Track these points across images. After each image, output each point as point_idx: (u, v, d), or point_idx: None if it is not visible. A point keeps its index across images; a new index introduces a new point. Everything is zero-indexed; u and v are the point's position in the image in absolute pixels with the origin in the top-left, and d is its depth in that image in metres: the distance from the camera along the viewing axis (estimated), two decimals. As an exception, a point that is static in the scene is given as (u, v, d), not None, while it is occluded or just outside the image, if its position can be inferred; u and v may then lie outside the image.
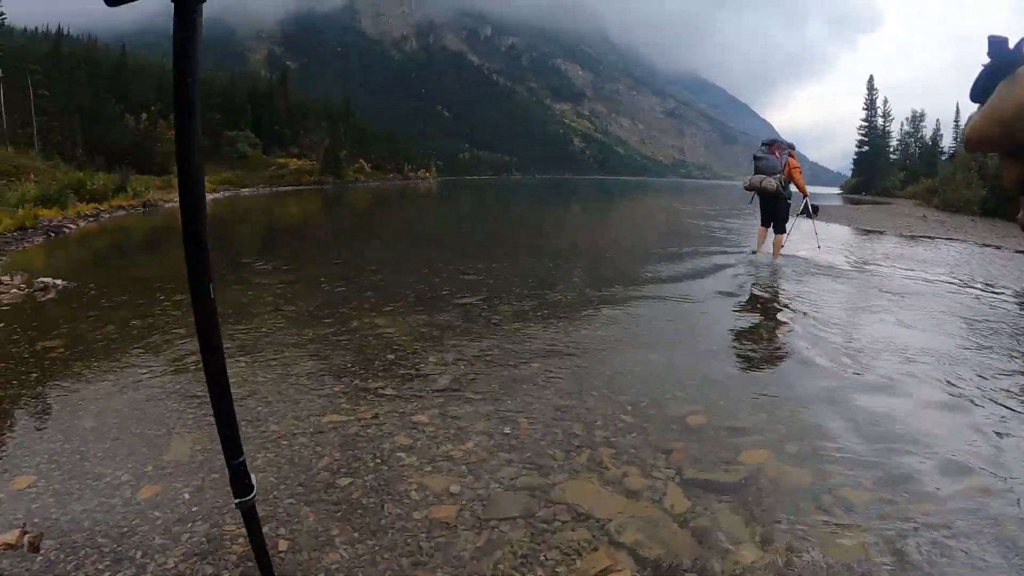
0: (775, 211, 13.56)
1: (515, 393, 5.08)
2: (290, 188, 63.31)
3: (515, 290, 9.48)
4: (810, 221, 15.76)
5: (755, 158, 13.62)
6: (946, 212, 38.55)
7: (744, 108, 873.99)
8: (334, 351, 6.20)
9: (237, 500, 1.87)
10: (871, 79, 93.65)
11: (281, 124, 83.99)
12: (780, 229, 13.65)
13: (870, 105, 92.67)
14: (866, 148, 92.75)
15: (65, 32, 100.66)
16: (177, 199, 1.62)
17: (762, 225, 14.03)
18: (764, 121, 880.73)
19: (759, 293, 10.14)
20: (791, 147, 13.68)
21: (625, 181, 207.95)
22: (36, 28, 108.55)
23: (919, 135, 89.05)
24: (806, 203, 14.67)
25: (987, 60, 1.67)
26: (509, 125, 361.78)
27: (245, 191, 54.48)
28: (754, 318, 8.28)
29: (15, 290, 9.21)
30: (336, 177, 78.33)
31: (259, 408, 4.76)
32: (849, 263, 14.09)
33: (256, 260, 12.61)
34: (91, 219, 23.31)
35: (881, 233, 22.06)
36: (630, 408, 4.82)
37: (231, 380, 1.77)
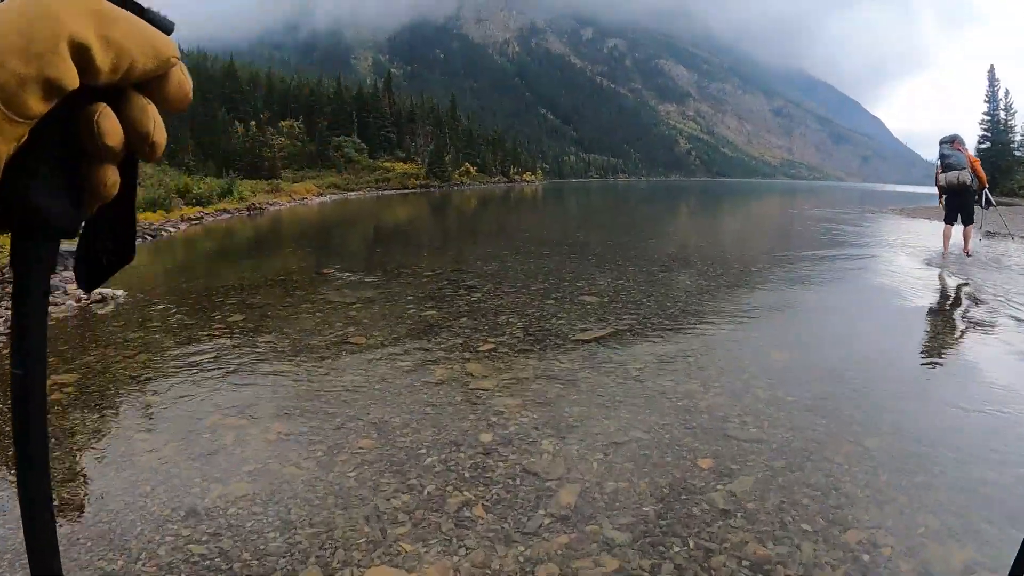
0: (965, 205, 13.62)
1: (682, 527, 3.10)
2: (395, 192, 63.13)
3: (652, 320, 7.34)
4: (992, 213, 15.67)
5: (942, 155, 13.67)
6: None
7: (855, 106, 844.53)
8: (405, 424, 4.32)
9: None
10: (992, 69, 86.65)
11: (387, 128, 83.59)
12: (970, 220, 13.68)
13: (991, 98, 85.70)
14: (987, 144, 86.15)
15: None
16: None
17: (947, 223, 13.84)
18: (875, 119, 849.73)
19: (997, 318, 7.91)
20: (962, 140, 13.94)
21: (734, 183, 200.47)
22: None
23: None
24: (985, 194, 14.39)
25: None
26: (614, 127, 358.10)
27: (351, 195, 54.64)
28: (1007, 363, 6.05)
29: (71, 302, 8.39)
30: (441, 180, 77.64)
31: (271, 536, 3.01)
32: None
33: (341, 269, 10.96)
34: (194, 222, 23.32)
35: None
36: (866, 558, 2.86)
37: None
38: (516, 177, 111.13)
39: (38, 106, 0.41)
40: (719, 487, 3.48)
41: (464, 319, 7.27)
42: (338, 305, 7.99)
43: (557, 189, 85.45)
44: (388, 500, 3.34)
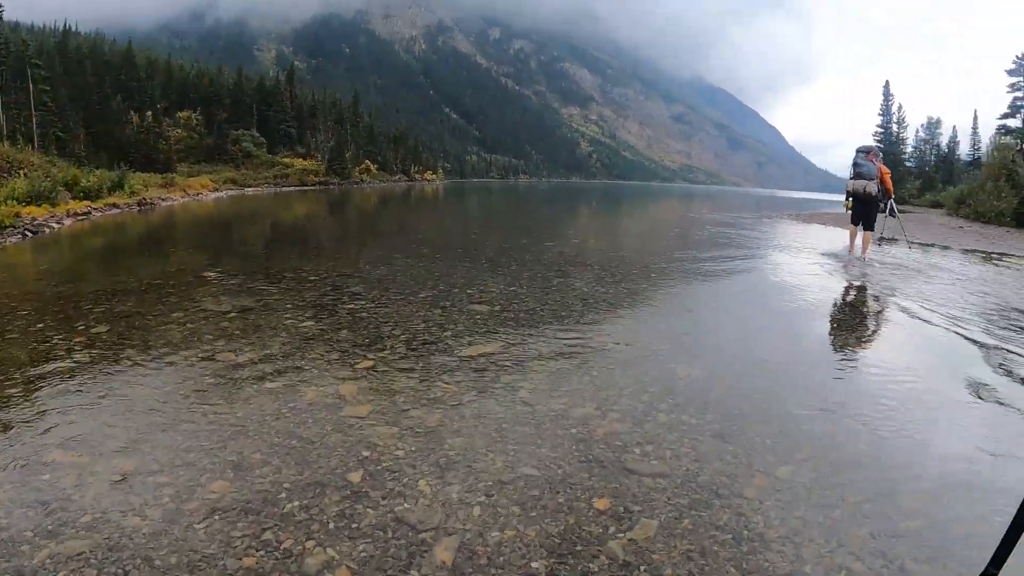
0: (868, 213, 15.02)
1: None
2: (294, 188, 61.53)
3: (544, 331, 6.91)
4: (894, 219, 17.67)
5: (856, 163, 15.08)
6: (978, 223, 37.12)
7: (752, 113, 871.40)
8: (265, 461, 3.77)
9: None
10: (887, 84, 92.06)
11: (288, 123, 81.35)
12: (870, 227, 15.15)
13: (885, 111, 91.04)
14: (880, 155, 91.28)
15: (72, 28, 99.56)
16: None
17: (853, 224, 15.46)
18: (771, 127, 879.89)
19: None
20: (879, 153, 15.97)
21: (634, 186, 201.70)
22: (44, 25, 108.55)
23: (935, 142, 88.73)
24: (891, 204, 16.31)
25: None
26: (517, 128, 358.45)
27: (249, 190, 53.01)
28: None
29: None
30: (341, 177, 76.02)
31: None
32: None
33: (224, 273, 10.21)
34: (81, 217, 22.09)
35: (945, 248, 19.72)
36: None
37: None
38: (417, 176, 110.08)
39: None
40: (619, 534, 3.11)
41: (344, 331, 6.67)
42: (211, 315, 7.29)
43: (458, 189, 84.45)
44: (239, 559, 2.84)
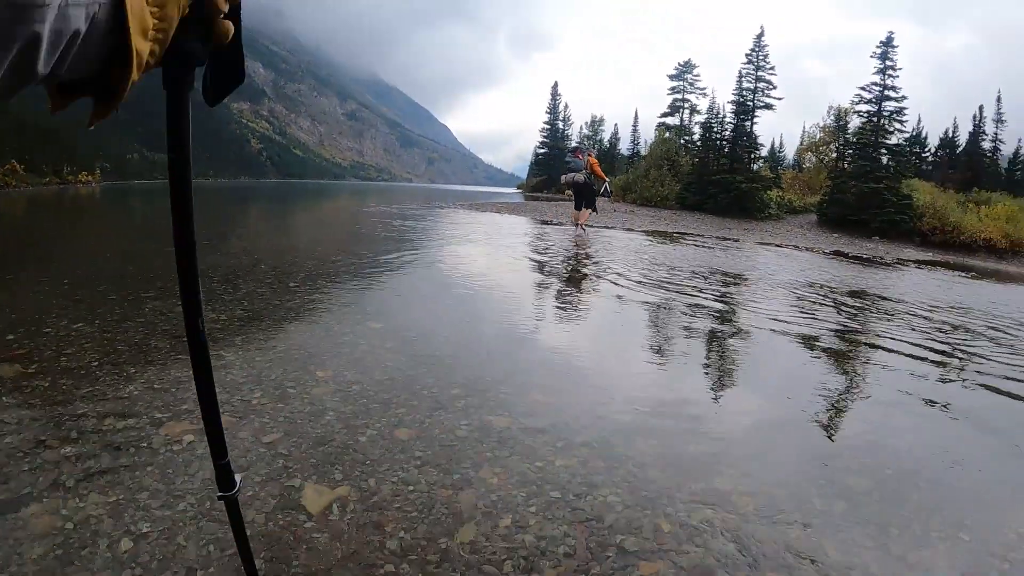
0: (583, 195, 19.10)
1: None
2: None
3: (85, 417, 3.40)
4: (604, 200, 23.95)
5: (565, 162, 19.72)
6: (646, 207, 41.19)
7: (425, 113, 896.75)
8: None
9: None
10: (555, 85, 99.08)
11: (-77, 117, 68.62)
12: (591, 206, 19.28)
13: (552, 110, 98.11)
14: (546, 150, 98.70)
15: None
16: None
17: (576, 209, 19.58)
18: (443, 126, 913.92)
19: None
20: (588, 149, 21.21)
21: (307, 184, 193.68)
22: None
23: (598, 138, 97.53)
24: (604, 187, 20.64)
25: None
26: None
27: None
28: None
29: None
30: (-20, 183, 65.86)
31: None
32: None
33: None
34: None
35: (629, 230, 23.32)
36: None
37: None
38: (71, 178, 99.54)
39: None
40: None
41: None
42: None
43: (119, 191, 74.98)
44: None
